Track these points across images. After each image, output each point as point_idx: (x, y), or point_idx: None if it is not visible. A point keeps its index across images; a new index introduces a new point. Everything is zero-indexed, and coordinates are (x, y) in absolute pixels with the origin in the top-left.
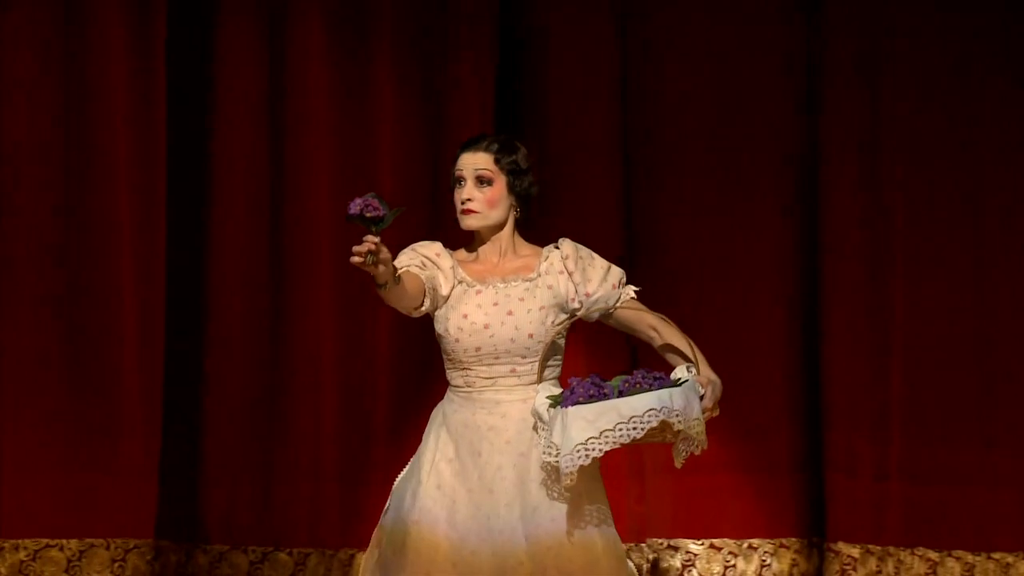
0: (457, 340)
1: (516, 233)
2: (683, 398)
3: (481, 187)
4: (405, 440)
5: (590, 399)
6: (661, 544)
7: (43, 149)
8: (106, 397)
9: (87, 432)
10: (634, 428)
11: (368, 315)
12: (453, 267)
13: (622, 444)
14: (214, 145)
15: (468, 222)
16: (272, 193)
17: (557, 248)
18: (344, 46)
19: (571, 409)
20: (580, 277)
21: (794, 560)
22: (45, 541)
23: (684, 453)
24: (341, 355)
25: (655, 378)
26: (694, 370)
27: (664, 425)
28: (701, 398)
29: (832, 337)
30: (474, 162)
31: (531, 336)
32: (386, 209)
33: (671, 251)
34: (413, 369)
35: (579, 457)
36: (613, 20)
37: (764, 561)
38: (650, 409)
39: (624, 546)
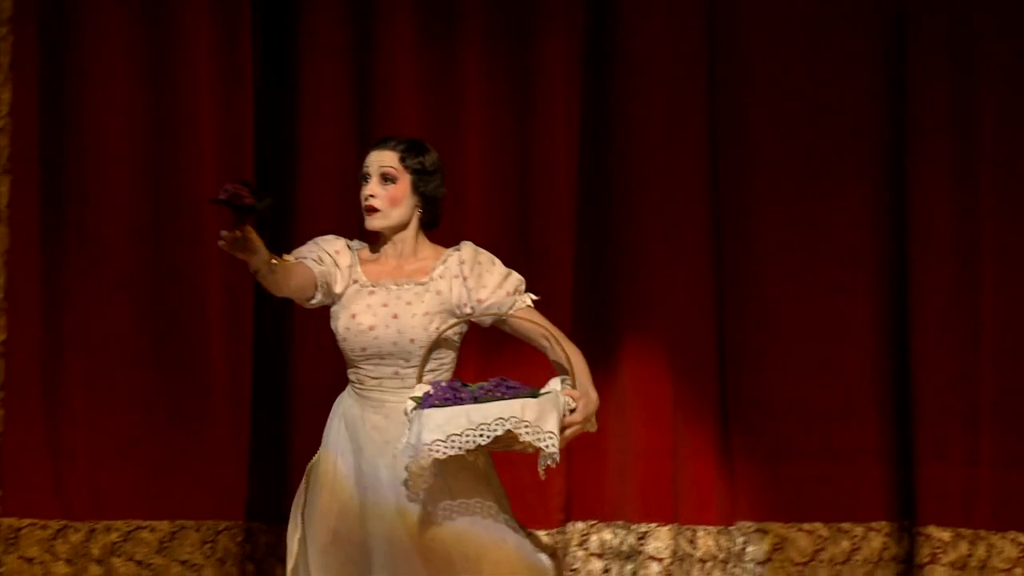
0: (344, 339)
1: (420, 234)
2: (537, 410)
3: (385, 185)
4: None
5: (444, 403)
6: (750, 527)
7: (132, 136)
8: (196, 380)
9: (178, 415)
10: (481, 435)
11: None
12: (351, 266)
13: (469, 450)
14: (301, 131)
15: (372, 223)
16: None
17: (457, 251)
18: (432, 32)
19: (425, 411)
20: (474, 282)
21: (884, 544)
22: (137, 523)
23: (543, 464)
24: None
25: (510, 387)
26: (567, 384)
27: (512, 435)
28: (573, 411)
29: (921, 324)
30: (380, 160)
31: (412, 341)
32: (255, 199)
33: (759, 239)
34: None
35: (422, 457)
36: (702, 5)
37: (855, 545)
38: (498, 418)
39: (528, 540)
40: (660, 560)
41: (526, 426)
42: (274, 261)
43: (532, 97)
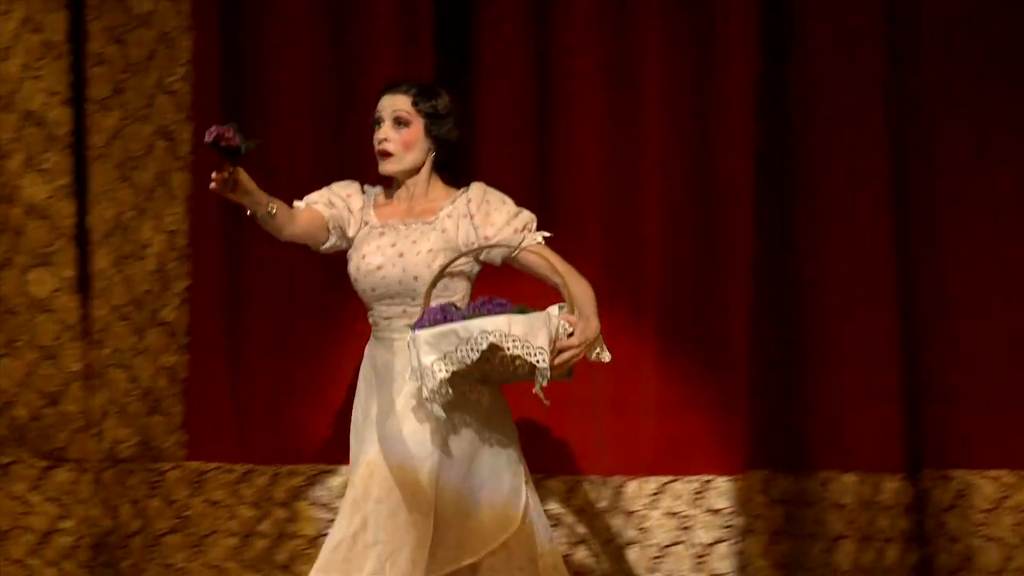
0: (356, 280)
1: (434, 177)
2: (525, 326)
3: (398, 128)
4: None
5: (434, 323)
6: (935, 474)
7: (313, 94)
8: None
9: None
10: (471, 349)
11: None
12: (363, 208)
13: (465, 366)
14: (479, 95)
15: (385, 167)
16: (540, 166)
17: (467, 191)
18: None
19: (419, 333)
20: (481, 220)
21: None
22: (320, 467)
23: (539, 382)
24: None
25: (498, 304)
26: (566, 310)
27: (500, 350)
28: (570, 335)
29: None
30: (392, 104)
31: (416, 279)
32: (241, 141)
33: (942, 212)
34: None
35: (428, 379)
36: None
37: None
38: (483, 331)
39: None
40: (842, 506)
41: (513, 340)
42: (271, 206)
43: (713, 64)
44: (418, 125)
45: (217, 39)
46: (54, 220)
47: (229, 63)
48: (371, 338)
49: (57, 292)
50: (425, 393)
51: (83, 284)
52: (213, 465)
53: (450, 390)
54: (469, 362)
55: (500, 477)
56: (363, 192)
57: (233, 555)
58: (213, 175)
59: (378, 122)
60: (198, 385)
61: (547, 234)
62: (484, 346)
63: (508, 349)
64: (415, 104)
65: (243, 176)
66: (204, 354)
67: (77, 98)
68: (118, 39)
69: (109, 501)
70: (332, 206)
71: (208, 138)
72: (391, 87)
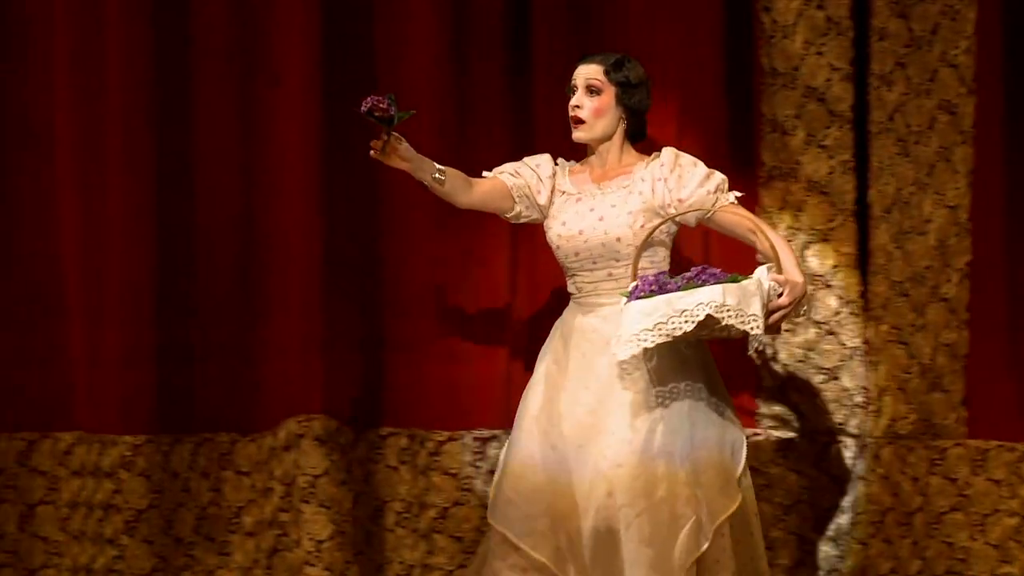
0: (558, 247)
1: (626, 145)
2: (738, 294)
3: (590, 96)
4: None
5: (650, 294)
6: None
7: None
8: None
9: None
10: (685, 321)
11: None
12: (553, 175)
13: (676, 337)
14: None
15: (577, 134)
16: None
17: (659, 156)
18: None
19: (632, 304)
20: (675, 183)
21: None
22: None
23: (752, 348)
24: None
25: (711, 274)
26: (773, 270)
27: (714, 319)
28: (780, 295)
29: None
30: (586, 72)
31: (619, 240)
32: (395, 110)
33: None
34: None
35: (631, 346)
36: None
37: None
38: (699, 303)
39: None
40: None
41: (728, 310)
42: (437, 174)
43: None
44: (610, 93)
45: (999, 11)
46: (834, 196)
47: (1014, 35)
48: (571, 304)
49: (836, 268)
50: (620, 357)
51: (862, 260)
52: (994, 443)
53: (650, 362)
54: (680, 333)
55: (726, 428)
56: (554, 162)
57: (1015, 535)
58: (372, 143)
59: (572, 90)
60: (978, 362)
61: (739, 194)
62: (701, 317)
63: (723, 320)
64: (607, 73)
65: (399, 144)
66: (985, 331)
67: (858, 73)
68: (901, 13)
69: (890, 478)
70: (518, 175)
71: (364, 107)
72: (586, 57)
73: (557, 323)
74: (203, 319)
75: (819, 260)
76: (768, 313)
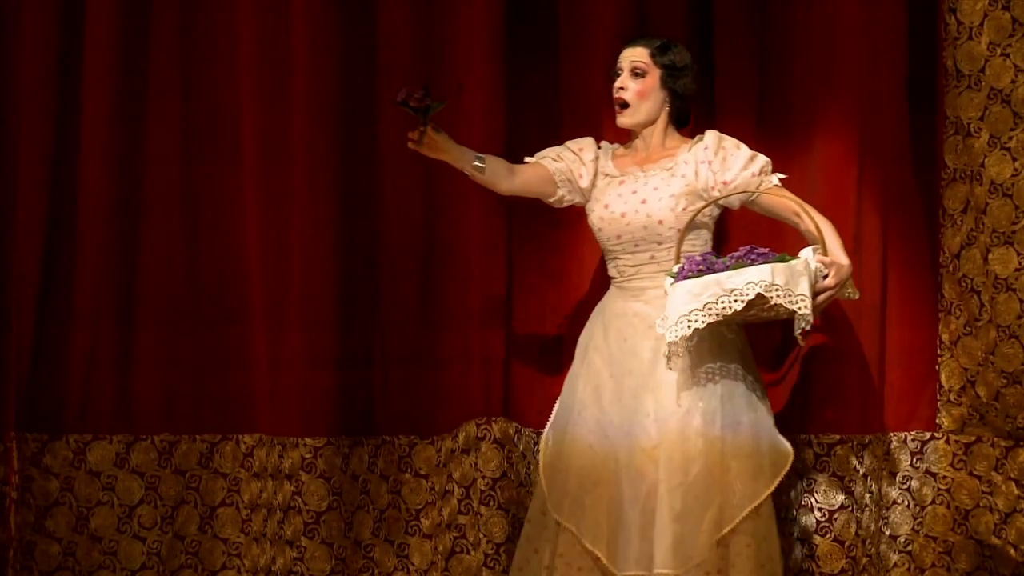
0: (600, 229)
1: (670, 129)
2: (786, 274)
3: (635, 78)
4: None
5: (698, 274)
6: None
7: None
8: None
9: None
10: (735, 300)
11: None
12: (596, 159)
13: (725, 316)
14: None
15: (621, 119)
16: None
17: (702, 139)
18: None
19: (680, 284)
20: (719, 166)
21: None
22: None
23: (798, 328)
24: None
25: (759, 254)
26: (819, 252)
27: (762, 299)
28: (826, 277)
29: None
30: (631, 55)
31: (661, 223)
32: (430, 101)
33: None
34: None
35: (682, 327)
36: None
37: None
38: (749, 282)
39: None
40: None
41: (777, 289)
42: (477, 162)
43: None
44: (654, 76)
45: None
46: (1018, 198)
47: None
48: (612, 288)
49: (1019, 272)
50: (669, 338)
51: None
52: None
53: (691, 343)
54: (730, 312)
55: (760, 414)
56: (599, 147)
57: None
58: (408, 135)
59: (617, 73)
60: None
61: (783, 175)
62: (751, 296)
63: (772, 299)
64: (652, 56)
65: (436, 135)
66: None
67: None
68: None
69: None
70: (559, 160)
71: (399, 97)
72: (632, 41)
73: (596, 309)
74: (384, 323)
75: (1001, 263)
76: (814, 294)
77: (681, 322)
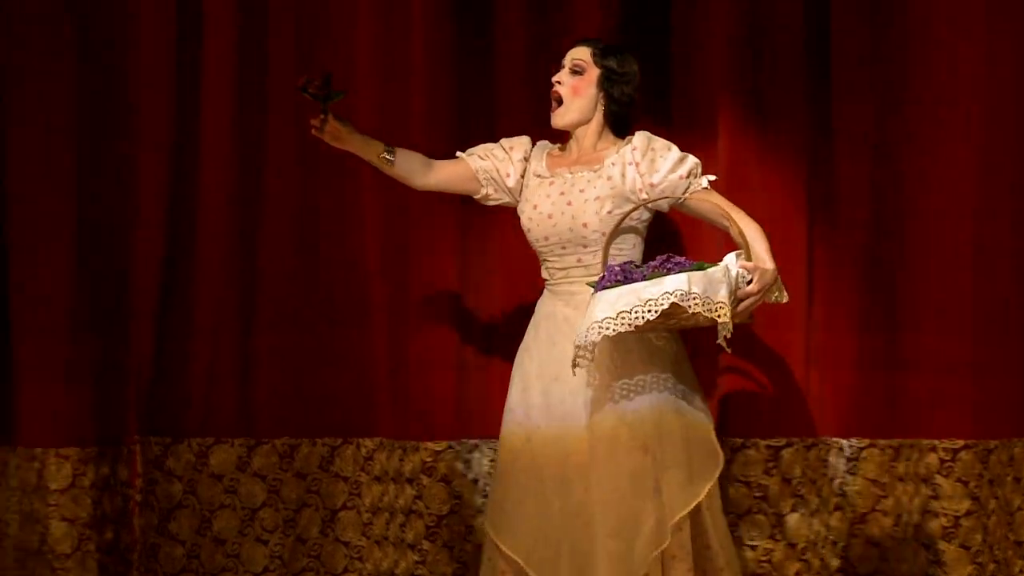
0: (529, 230)
1: (605, 131)
2: (704, 282)
3: (573, 75)
4: None
5: (615, 284)
6: None
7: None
8: None
9: None
10: (649, 311)
11: None
12: (526, 158)
13: (638, 326)
14: None
15: (554, 119)
16: None
17: (631, 140)
18: None
19: (599, 294)
20: (646, 168)
21: None
22: None
23: (721, 334)
24: None
25: (676, 263)
26: (743, 258)
27: (680, 308)
28: (749, 283)
29: None
30: (574, 53)
31: (586, 226)
32: (329, 89)
33: None
34: None
35: (592, 333)
36: None
37: None
38: (664, 292)
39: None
40: None
41: (694, 298)
42: (386, 155)
43: None
44: (592, 75)
45: None
46: None
47: None
48: (545, 291)
49: None
50: (577, 342)
51: None
52: None
53: (595, 354)
54: (643, 322)
55: (690, 419)
56: (532, 144)
57: None
58: (310, 120)
59: (558, 69)
60: None
61: (712, 178)
62: (665, 306)
63: (690, 309)
64: (594, 56)
65: (336, 124)
66: None
67: None
68: None
69: None
70: (485, 158)
71: (298, 83)
72: (581, 40)
73: (537, 308)
74: (503, 326)
75: None
76: (737, 301)
77: (592, 329)
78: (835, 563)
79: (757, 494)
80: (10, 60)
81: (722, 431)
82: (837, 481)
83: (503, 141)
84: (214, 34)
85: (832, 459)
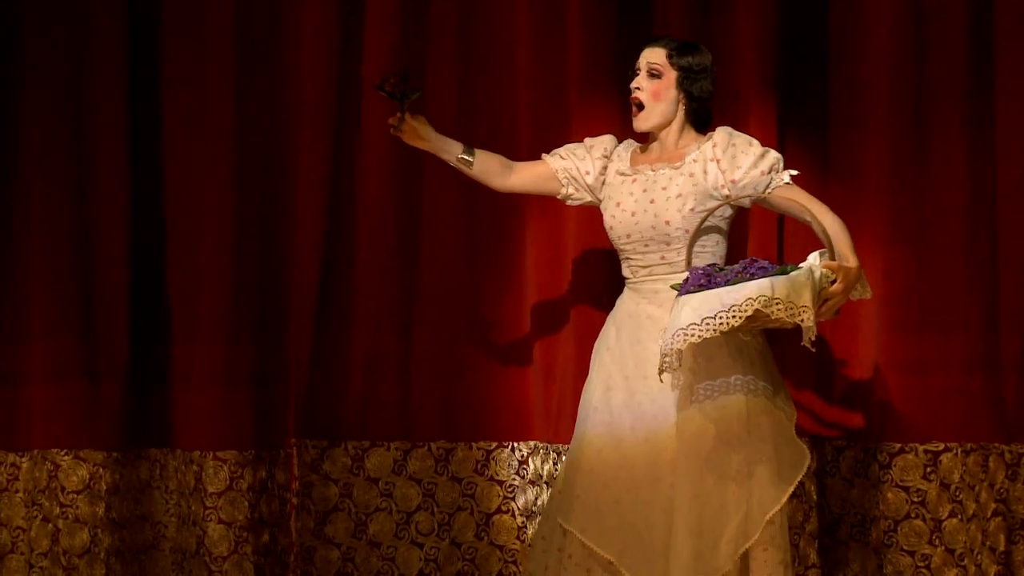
0: (611, 228)
1: (687, 128)
2: (787, 287)
3: (651, 79)
4: None
5: (699, 288)
6: None
7: None
8: None
9: None
10: (733, 316)
11: None
12: (607, 156)
13: (723, 332)
14: None
15: (637, 124)
16: None
17: (712, 136)
18: None
19: (683, 298)
20: (727, 164)
21: None
22: None
23: (806, 336)
24: None
25: (760, 267)
26: (826, 256)
27: (762, 314)
28: (833, 283)
29: None
30: (649, 56)
31: (668, 223)
32: (405, 86)
33: None
34: None
35: (677, 340)
36: None
37: None
38: (748, 298)
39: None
40: None
41: (777, 303)
42: (464, 154)
43: None
44: (670, 77)
45: None
46: None
47: None
48: (625, 289)
49: None
50: (663, 349)
51: None
52: None
53: (681, 359)
54: (727, 328)
55: (778, 417)
56: (615, 142)
57: None
58: (389, 120)
59: (635, 72)
60: None
61: (794, 172)
62: (749, 312)
63: (772, 314)
64: (670, 57)
65: (413, 123)
66: None
67: None
68: None
69: None
70: (566, 158)
71: (376, 82)
72: (651, 40)
73: (611, 312)
74: None
75: None
76: (822, 301)
77: (677, 335)
78: (993, 570)
79: (916, 499)
80: (173, 64)
81: (881, 435)
82: (996, 487)
83: (586, 140)
84: (373, 36)
85: (991, 464)
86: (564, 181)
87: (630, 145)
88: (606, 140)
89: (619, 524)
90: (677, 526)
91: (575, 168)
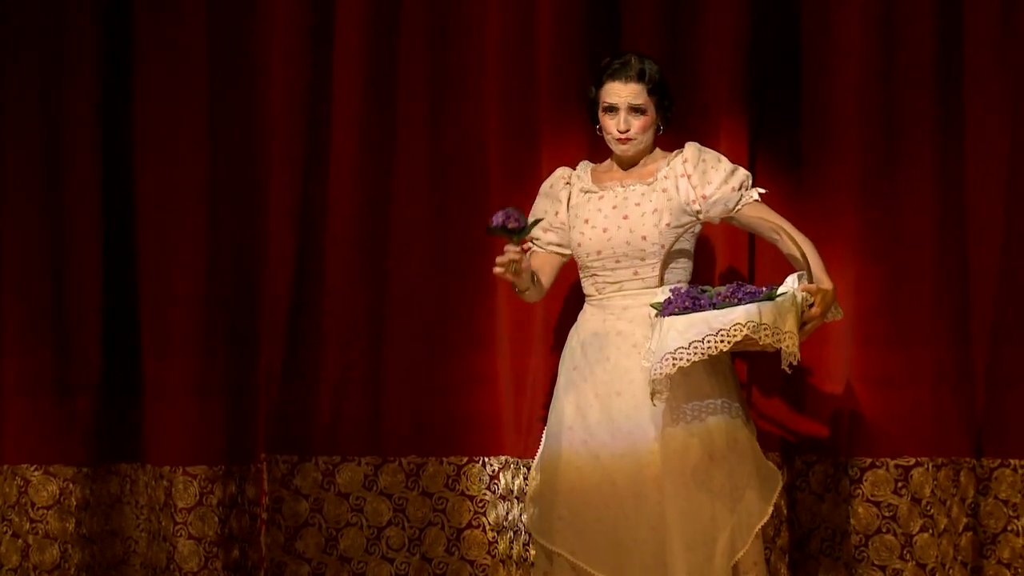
0: (580, 244)
1: (655, 145)
2: (774, 312)
3: (636, 116)
4: None
5: (684, 310)
6: None
7: None
8: None
9: None
10: (721, 340)
11: None
12: (566, 184)
13: (710, 355)
14: None
15: (627, 150)
16: None
17: (682, 152)
18: None
19: (666, 319)
20: (698, 179)
21: None
22: None
23: (785, 360)
24: None
25: (747, 292)
26: (804, 279)
27: (749, 338)
28: (812, 305)
29: None
30: (628, 94)
31: (644, 238)
32: (525, 221)
33: None
34: None
35: (666, 364)
36: None
37: None
38: (736, 323)
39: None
40: None
41: (765, 328)
42: (535, 278)
43: None
44: (651, 109)
45: None
46: None
47: None
48: (587, 306)
49: None
50: (653, 374)
51: None
52: None
53: (669, 385)
54: (715, 352)
55: (751, 433)
56: (573, 170)
57: None
58: (499, 260)
59: (613, 110)
60: None
61: (762, 191)
62: (738, 338)
63: (760, 339)
64: (648, 92)
65: (525, 257)
66: None
67: None
68: None
69: None
70: (546, 229)
71: (497, 222)
72: (620, 73)
73: (572, 330)
74: None
75: None
76: (801, 325)
77: (666, 360)
78: None
79: (886, 514)
80: (145, 80)
81: (851, 450)
82: (967, 501)
83: (541, 188)
84: (343, 50)
85: (962, 479)
86: (562, 244)
87: (588, 164)
88: (558, 173)
89: (606, 543)
90: (672, 542)
91: (557, 223)
